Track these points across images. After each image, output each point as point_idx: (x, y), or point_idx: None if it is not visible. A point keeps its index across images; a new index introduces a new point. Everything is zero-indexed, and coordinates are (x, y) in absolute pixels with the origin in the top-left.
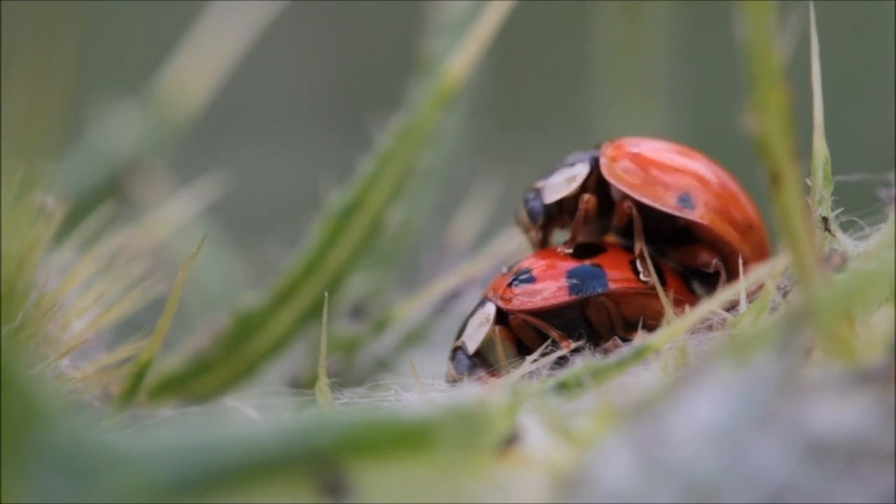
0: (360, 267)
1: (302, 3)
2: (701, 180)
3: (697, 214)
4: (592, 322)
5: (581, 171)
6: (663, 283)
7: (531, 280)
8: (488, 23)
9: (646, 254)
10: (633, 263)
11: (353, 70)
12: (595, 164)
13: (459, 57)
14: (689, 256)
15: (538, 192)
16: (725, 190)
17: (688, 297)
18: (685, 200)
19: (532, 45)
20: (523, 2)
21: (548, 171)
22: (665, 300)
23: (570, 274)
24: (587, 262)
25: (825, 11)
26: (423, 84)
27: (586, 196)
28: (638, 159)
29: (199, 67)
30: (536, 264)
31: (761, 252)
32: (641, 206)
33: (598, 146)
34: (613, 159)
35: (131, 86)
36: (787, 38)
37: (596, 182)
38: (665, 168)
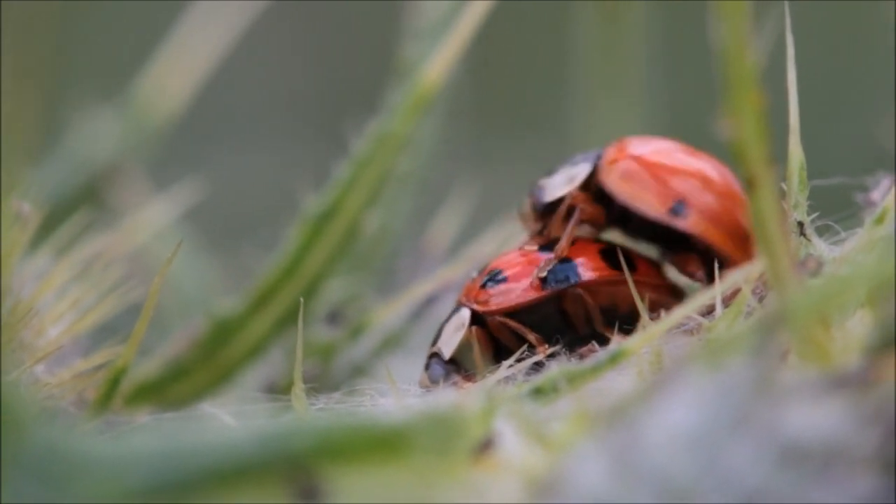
0: (337, 272)
1: (280, 7)
2: (700, 186)
3: (689, 224)
4: (570, 316)
5: (582, 171)
6: (633, 269)
7: (503, 280)
8: (466, 26)
9: (616, 246)
10: (602, 253)
11: (332, 74)
12: (596, 166)
13: (436, 61)
14: (679, 264)
15: (541, 188)
16: (727, 195)
17: (658, 280)
18: (678, 209)
19: (510, 48)
20: (501, 5)
21: (552, 169)
22: (636, 296)
23: (542, 269)
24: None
25: (802, 15)
26: (400, 89)
27: (574, 194)
28: (637, 163)
29: (177, 72)
30: (507, 264)
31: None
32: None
33: (602, 147)
34: (611, 163)
35: (108, 90)
36: (762, 43)
37: (596, 182)
38: (663, 173)
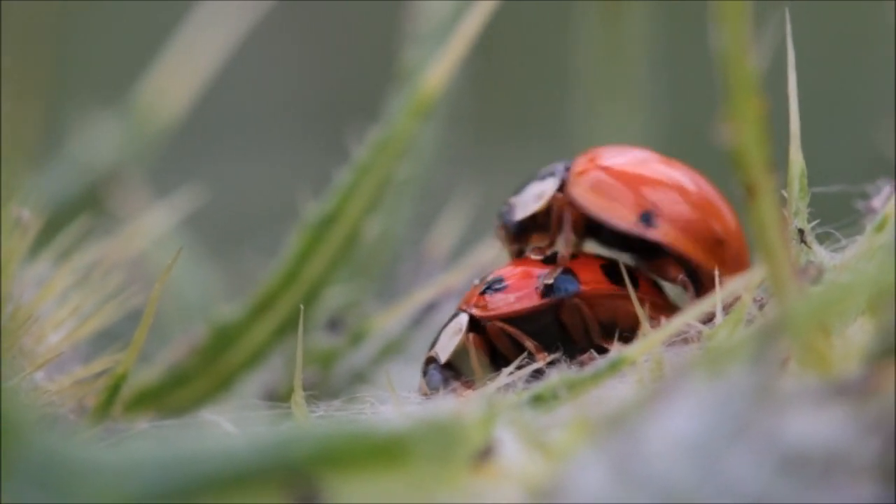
0: (338, 278)
1: (281, 13)
2: (670, 195)
3: (659, 234)
4: (567, 327)
5: (549, 187)
6: (635, 285)
7: (504, 287)
8: (467, 31)
9: (619, 262)
10: (604, 267)
11: (332, 80)
12: (564, 178)
13: (437, 67)
14: (657, 270)
15: (511, 208)
16: (699, 203)
17: (659, 298)
18: (647, 219)
19: (511, 53)
20: (502, 9)
21: (520, 186)
22: (640, 308)
23: (543, 279)
24: (558, 267)
25: (802, 20)
26: (401, 94)
27: (558, 206)
28: (605, 173)
29: (177, 78)
30: (508, 273)
31: (736, 264)
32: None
33: (570, 160)
34: (579, 175)
35: (109, 96)
36: (763, 48)
37: (565, 196)
38: (631, 183)
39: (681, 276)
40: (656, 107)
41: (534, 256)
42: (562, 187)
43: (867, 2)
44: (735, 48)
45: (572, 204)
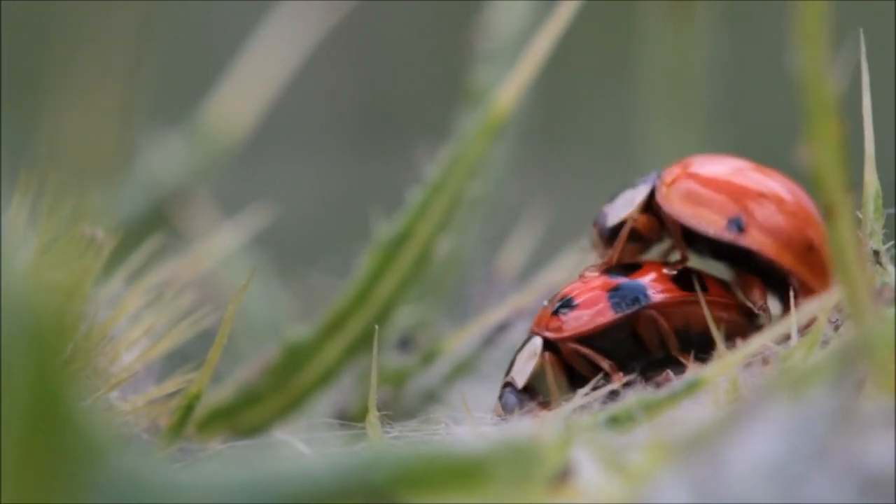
0: (409, 298)
1: (346, 29)
2: (760, 201)
3: (748, 240)
4: (643, 340)
5: (641, 193)
6: (704, 289)
7: (574, 306)
8: (537, 50)
9: (684, 265)
10: (671, 275)
11: (396, 96)
12: (655, 187)
13: (508, 85)
14: (745, 289)
15: (604, 215)
16: (792, 209)
17: (731, 300)
18: (736, 224)
19: (578, 70)
20: (569, 28)
21: (613, 195)
22: (715, 330)
23: (612, 293)
24: (626, 281)
25: (877, 41)
26: (472, 113)
27: (636, 216)
28: (693, 180)
29: (244, 94)
30: (576, 290)
31: (822, 275)
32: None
33: (662, 168)
34: (668, 183)
35: (176, 114)
36: (839, 70)
37: (656, 204)
38: (720, 189)
39: (761, 303)
40: (720, 125)
41: (589, 273)
42: (651, 194)
43: None
44: (814, 70)
45: (662, 211)
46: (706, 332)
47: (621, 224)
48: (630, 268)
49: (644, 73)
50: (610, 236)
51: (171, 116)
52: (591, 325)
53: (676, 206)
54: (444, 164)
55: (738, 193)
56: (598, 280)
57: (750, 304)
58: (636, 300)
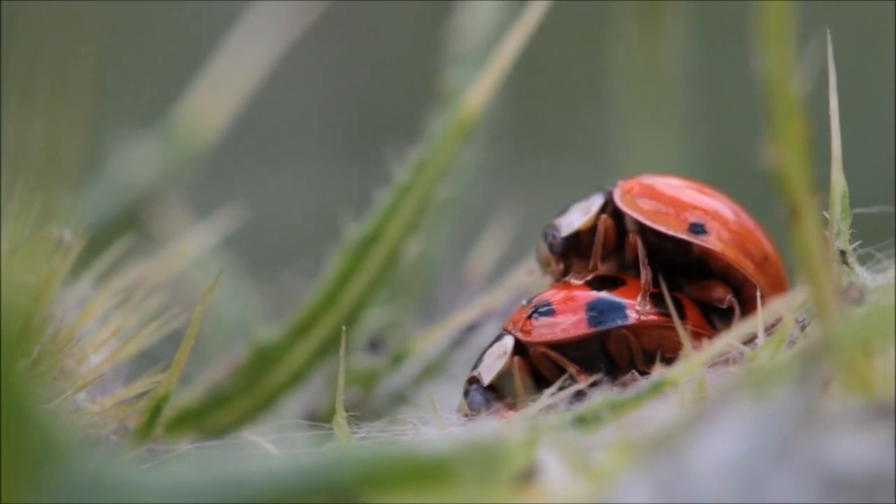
0: (378, 300)
1: (319, 32)
2: (714, 212)
3: (710, 241)
4: (612, 354)
5: (595, 202)
6: (682, 315)
7: (551, 312)
8: (507, 52)
9: (662, 286)
10: (652, 296)
11: (370, 99)
12: (609, 197)
13: (477, 88)
14: (703, 291)
15: (556, 227)
16: (739, 223)
17: (706, 329)
18: (698, 228)
19: (549, 73)
20: (539, 30)
21: (564, 208)
22: (683, 333)
23: (591, 306)
24: (607, 295)
25: (843, 42)
26: (441, 116)
27: (603, 216)
28: (651, 191)
29: (215, 97)
30: (556, 297)
31: (777, 285)
32: (655, 236)
33: (613, 183)
34: (628, 191)
35: (147, 116)
36: (804, 71)
37: (612, 215)
38: (678, 199)
39: (729, 297)
40: (692, 126)
41: (574, 280)
42: (606, 206)
43: None
44: (778, 72)
45: (623, 216)
46: (676, 354)
47: (575, 235)
48: (614, 282)
49: (615, 75)
50: (563, 249)
51: (143, 118)
52: (563, 336)
53: (639, 209)
54: (414, 165)
55: (695, 201)
56: (577, 289)
57: (716, 303)
58: (613, 318)
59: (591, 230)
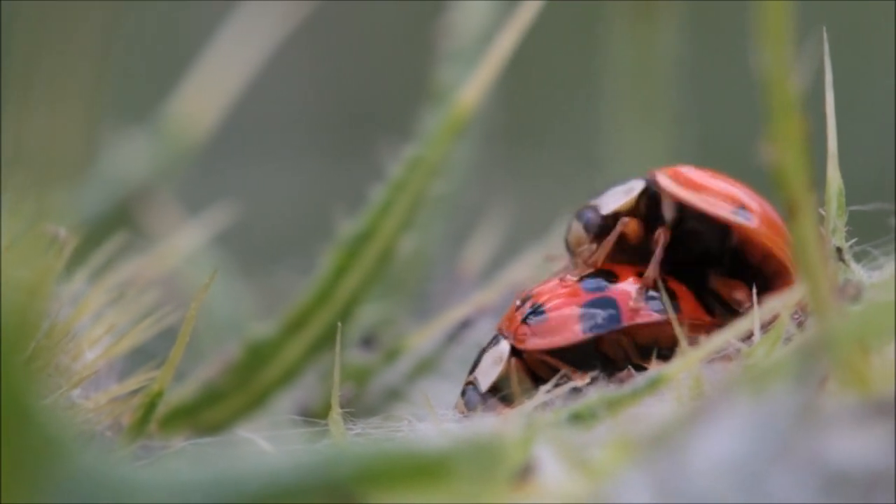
0: (372, 296)
1: (310, 29)
2: (752, 200)
3: (756, 225)
4: (607, 352)
5: (637, 185)
6: (677, 307)
7: (545, 317)
8: (500, 49)
9: (659, 283)
10: (647, 290)
11: (362, 96)
12: (650, 183)
13: (471, 85)
14: (727, 288)
15: (594, 207)
16: (772, 214)
17: (702, 319)
18: (741, 212)
19: (542, 71)
20: (532, 28)
21: (599, 191)
22: (679, 332)
23: (584, 310)
24: (601, 296)
25: (839, 40)
26: (435, 113)
27: (626, 219)
28: (691, 178)
29: (208, 93)
30: (550, 298)
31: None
32: (695, 221)
33: (647, 172)
34: (670, 174)
35: (140, 113)
36: (802, 68)
37: (648, 201)
38: (719, 185)
39: (747, 304)
40: (684, 123)
41: (571, 277)
42: (646, 189)
43: None
44: (777, 69)
45: (659, 203)
46: (673, 347)
47: (614, 215)
48: (608, 276)
49: (608, 73)
50: (600, 229)
51: (135, 114)
52: (558, 343)
53: (684, 191)
54: (408, 162)
55: (734, 190)
56: (573, 289)
57: (735, 306)
58: (608, 322)
59: (630, 211)
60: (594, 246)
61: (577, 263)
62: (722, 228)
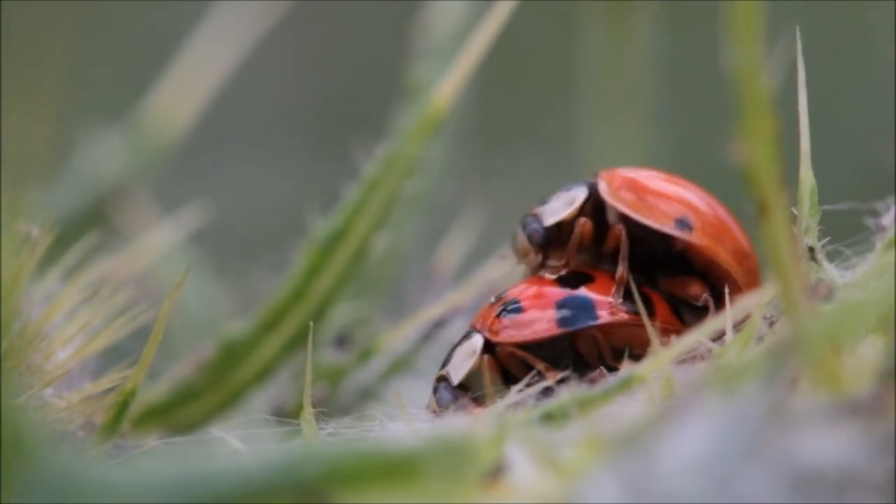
0: (345, 295)
1: (285, 28)
2: (696, 206)
3: (696, 237)
4: (581, 352)
5: (579, 194)
6: (651, 312)
7: (519, 312)
8: (475, 47)
9: (631, 282)
10: (623, 294)
11: (338, 94)
12: (593, 189)
13: (446, 83)
14: (680, 287)
15: (536, 216)
16: (719, 218)
17: (675, 325)
18: (683, 222)
19: (518, 68)
20: (508, 25)
21: (545, 198)
22: (652, 332)
23: (560, 306)
24: (576, 294)
25: (812, 39)
26: (410, 111)
27: (582, 219)
28: (635, 183)
29: (183, 92)
30: (525, 294)
31: (754, 281)
32: (637, 229)
33: (594, 174)
34: (612, 183)
35: (115, 111)
36: (774, 67)
37: (593, 207)
38: (662, 193)
39: (705, 296)
40: (661, 122)
41: (548, 276)
42: (589, 198)
43: (879, 20)
44: (748, 68)
45: (604, 208)
46: (644, 350)
47: (556, 226)
48: (582, 279)
49: (584, 72)
50: (543, 241)
51: (110, 113)
52: (531, 337)
53: (625, 203)
54: (382, 161)
55: (679, 196)
56: (547, 286)
57: (692, 300)
58: (583, 318)
59: (572, 222)
60: (539, 257)
61: (525, 272)
62: (664, 236)
